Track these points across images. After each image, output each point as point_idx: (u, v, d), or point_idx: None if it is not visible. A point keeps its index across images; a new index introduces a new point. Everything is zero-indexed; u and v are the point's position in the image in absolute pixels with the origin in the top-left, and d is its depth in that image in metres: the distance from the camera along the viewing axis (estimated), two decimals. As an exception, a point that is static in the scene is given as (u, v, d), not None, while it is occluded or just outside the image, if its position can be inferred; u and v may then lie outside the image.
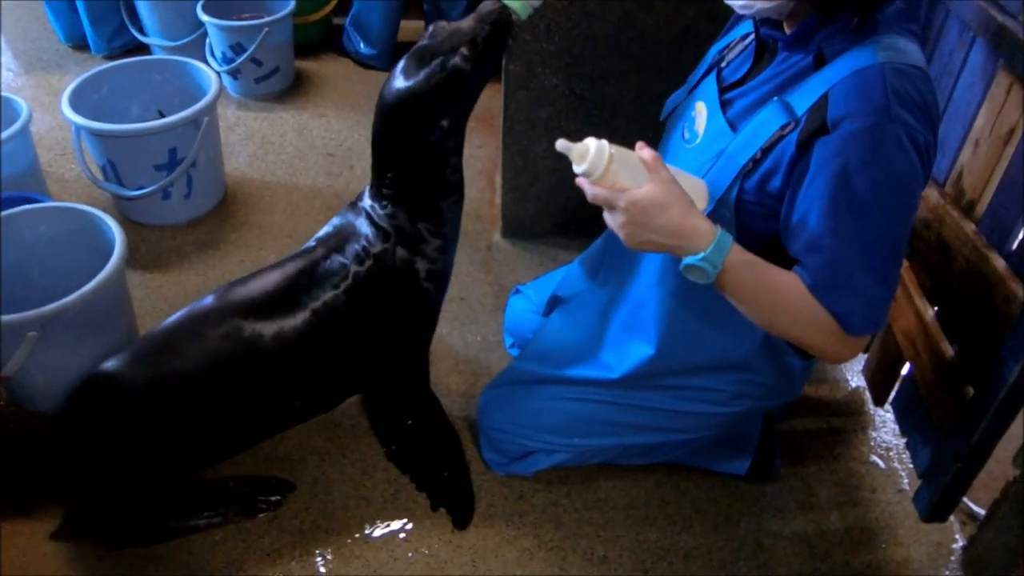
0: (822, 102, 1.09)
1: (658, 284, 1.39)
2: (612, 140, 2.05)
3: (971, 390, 1.45)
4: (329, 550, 1.53)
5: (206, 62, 2.71)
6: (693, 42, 1.93)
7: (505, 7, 1.34)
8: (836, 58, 1.12)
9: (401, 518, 1.59)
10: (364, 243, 1.44)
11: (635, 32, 1.92)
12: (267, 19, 2.73)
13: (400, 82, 1.33)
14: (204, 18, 2.72)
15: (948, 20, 1.61)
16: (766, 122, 1.16)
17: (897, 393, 1.76)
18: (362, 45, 3.07)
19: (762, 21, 1.23)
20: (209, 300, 1.47)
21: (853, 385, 1.90)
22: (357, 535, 1.56)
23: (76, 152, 2.12)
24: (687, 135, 1.33)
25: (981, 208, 1.48)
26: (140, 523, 1.52)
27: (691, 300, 1.35)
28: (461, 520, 1.57)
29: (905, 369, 1.69)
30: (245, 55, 2.72)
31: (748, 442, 1.64)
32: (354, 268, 1.43)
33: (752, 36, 1.29)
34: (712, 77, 1.32)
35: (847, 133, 1.06)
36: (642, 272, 1.43)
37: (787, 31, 1.20)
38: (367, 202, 1.46)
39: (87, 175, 2.15)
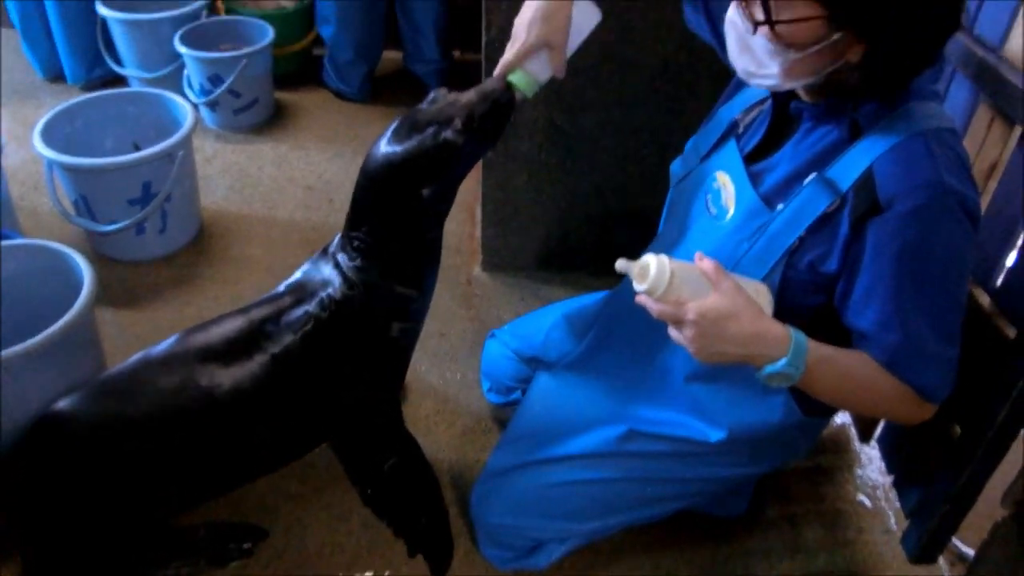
0: (867, 178, 1.07)
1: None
2: (592, 172, 2.07)
3: (958, 429, 1.43)
4: (302, 600, 1.48)
5: (184, 93, 2.69)
6: (673, 74, 1.92)
7: (509, 85, 1.29)
8: (871, 127, 1.09)
9: (377, 566, 1.54)
10: (330, 291, 1.39)
11: (615, 64, 1.90)
12: (246, 50, 2.71)
13: (387, 145, 1.30)
14: (182, 49, 2.69)
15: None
16: (810, 201, 1.12)
17: (883, 431, 1.73)
18: (338, 80, 3.06)
19: (785, 92, 1.19)
20: (169, 344, 1.43)
21: (839, 421, 1.87)
22: (331, 584, 1.51)
23: (48, 186, 2.08)
24: (714, 210, 1.28)
25: (965, 243, 1.46)
26: (106, 573, 1.46)
27: (719, 370, 1.29)
28: (438, 568, 1.52)
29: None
30: (223, 87, 2.70)
31: (747, 484, 1.60)
32: (317, 315, 1.39)
33: (768, 102, 1.25)
34: (733, 146, 1.27)
35: (903, 212, 1.04)
36: (666, 340, 1.34)
37: (806, 99, 1.17)
38: (337, 250, 1.42)
39: (59, 210, 2.11)
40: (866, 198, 1.07)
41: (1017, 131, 1.34)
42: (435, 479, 1.61)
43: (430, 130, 1.26)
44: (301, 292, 1.43)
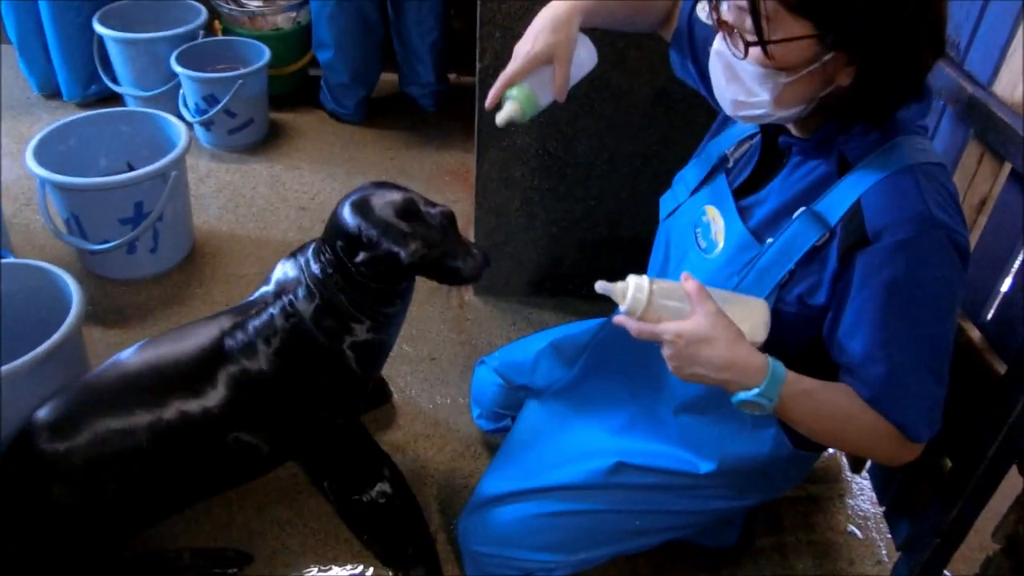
0: (855, 211, 1.06)
1: (679, 382, 1.29)
2: (585, 198, 2.07)
3: (949, 463, 1.42)
4: (287, 628, 1.46)
5: (179, 113, 2.70)
6: (666, 103, 1.93)
7: (487, 263, 1.40)
8: (859, 162, 1.09)
9: (363, 593, 1.53)
10: (291, 297, 1.42)
11: (609, 93, 1.91)
12: (241, 71, 2.72)
13: (350, 214, 1.35)
14: (178, 69, 2.70)
15: (919, 87, 1.61)
16: (800, 235, 1.12)
17: (874, 462, 1.73)
18: (334, 102, 3.07)
19: (774, 127, 1.20)
20: (140, 351, 1.45)
21: (830, 451, 1.86)
22: (317, 611, 1.50)
23: (40, 205, 2.08)
24: (703, 243, 1.28)
25: (955, 277, 1.46)
26: None
27: (712, 402, 1.29)
28: None
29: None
30: (218, 106, 2.70)
31: (737, 515, 1.58)
32: (280, 323, 1.42)
33: (757, 137, 1.25)
34: (723, 181, 1.27)
35: (891, 245, 1.03)
36: (658, 371, 1.34)
37: (796, 134, 1.17)
38: (307, 257, 1.45)
39: (50, 228, 2.10)
40: (854, 231, 1.06)
41: (1007, 167, 1.34)
42: (418, 507, 1.59)
43: (388, 238, 1.32)
44: (269, 297, 1.45)
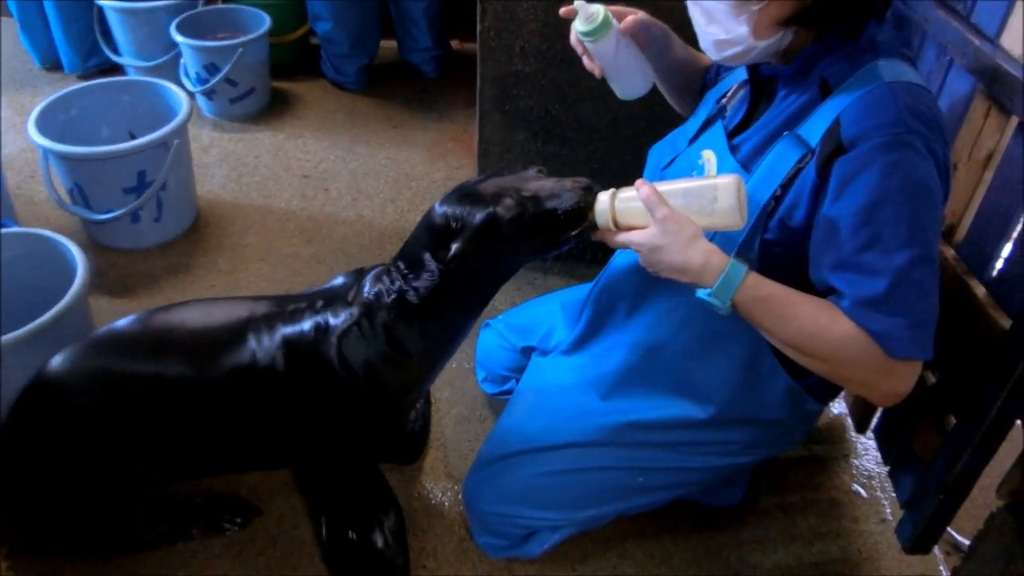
0: (834, 127, 1.07)
1: (681, 327, 1.33)
2: (588, 162, 2.06)
3: (953, 419, 1.42)
4: (296, 588, 1.48)
5: (180, 82, 2.68)
6: (670, 64, 1.91)
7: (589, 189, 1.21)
8: (840, 85, 1.10)
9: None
10: (329, 312, 1.35)
11: (612, 53, 1.89)
12: (242, 39, 2.70)
13: (434, 212, 1.26)
14: (178, 38, 2.68)
15: (925, 42, 1.59)
16: (781, 157, 1.12)
17: (879, 421, 1.73)
18: (334, 71, 3.05)
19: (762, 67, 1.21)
20: (167, 314, 1.41)
21: (835, 412, 1.87)
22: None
23: (44, 175, 2.08)
24: None
25: (961, 233, 1.46)
26: (97, 532, 1.45)
27: (716, 347, 1.29)
28: None
29: (887, 396, 1.66)
30: (219, 75, 2.69)
31: (741, 473, 1.59)
32: (310, 336, 1.34)
33: (748, 85, 1.26)
34: (719, 125, 1.28)
35: (866, 150, 1.03)
36: (659, 316, 1.36)
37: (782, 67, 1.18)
38: (370, 274, 1.38)
39: (54, 199, 2.10)
40: (831, 142, 1.06)
41: (1014, 121, 1.33)
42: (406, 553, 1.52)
43: (479, 206, 1.22)
44: (318, 301, 1.38)
